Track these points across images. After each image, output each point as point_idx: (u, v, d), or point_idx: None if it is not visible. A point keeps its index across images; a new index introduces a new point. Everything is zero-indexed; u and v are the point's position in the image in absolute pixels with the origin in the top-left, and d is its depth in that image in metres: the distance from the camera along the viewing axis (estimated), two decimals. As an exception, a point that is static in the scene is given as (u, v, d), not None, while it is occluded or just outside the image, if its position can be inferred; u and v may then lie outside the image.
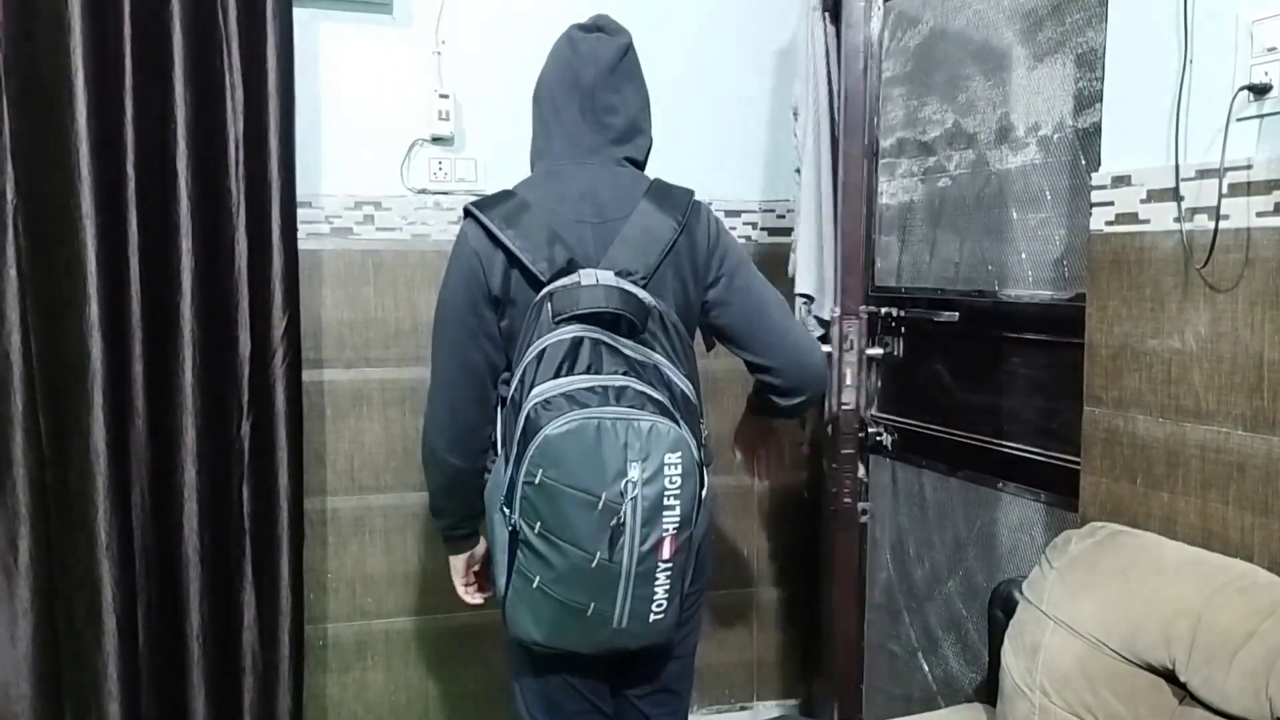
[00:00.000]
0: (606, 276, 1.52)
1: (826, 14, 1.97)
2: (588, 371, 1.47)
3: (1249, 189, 1.47)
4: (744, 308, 1.67)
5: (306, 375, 2.34)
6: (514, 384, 1.52)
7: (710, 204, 1.71)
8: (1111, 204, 1.71)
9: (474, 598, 1.86)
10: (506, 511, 1.48)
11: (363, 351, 2.49)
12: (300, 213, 2.28)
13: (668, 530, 1.46)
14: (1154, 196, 1.62)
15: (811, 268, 1.96)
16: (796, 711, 2.90)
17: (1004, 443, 2.17)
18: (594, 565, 1.44)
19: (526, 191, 1.63)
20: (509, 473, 1.48)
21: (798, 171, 2.01)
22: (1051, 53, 2.05)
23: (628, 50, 1.66)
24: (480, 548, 1.82)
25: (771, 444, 1.96)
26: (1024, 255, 2.14)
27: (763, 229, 2.76)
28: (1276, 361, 1.44)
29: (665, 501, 1.45)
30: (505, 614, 1.55)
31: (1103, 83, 1.76)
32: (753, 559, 2.86)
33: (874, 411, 2.37)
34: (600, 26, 1.67)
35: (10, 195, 2.02)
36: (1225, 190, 1.49)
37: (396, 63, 2.45)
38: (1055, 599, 1.55)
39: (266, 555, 2.27)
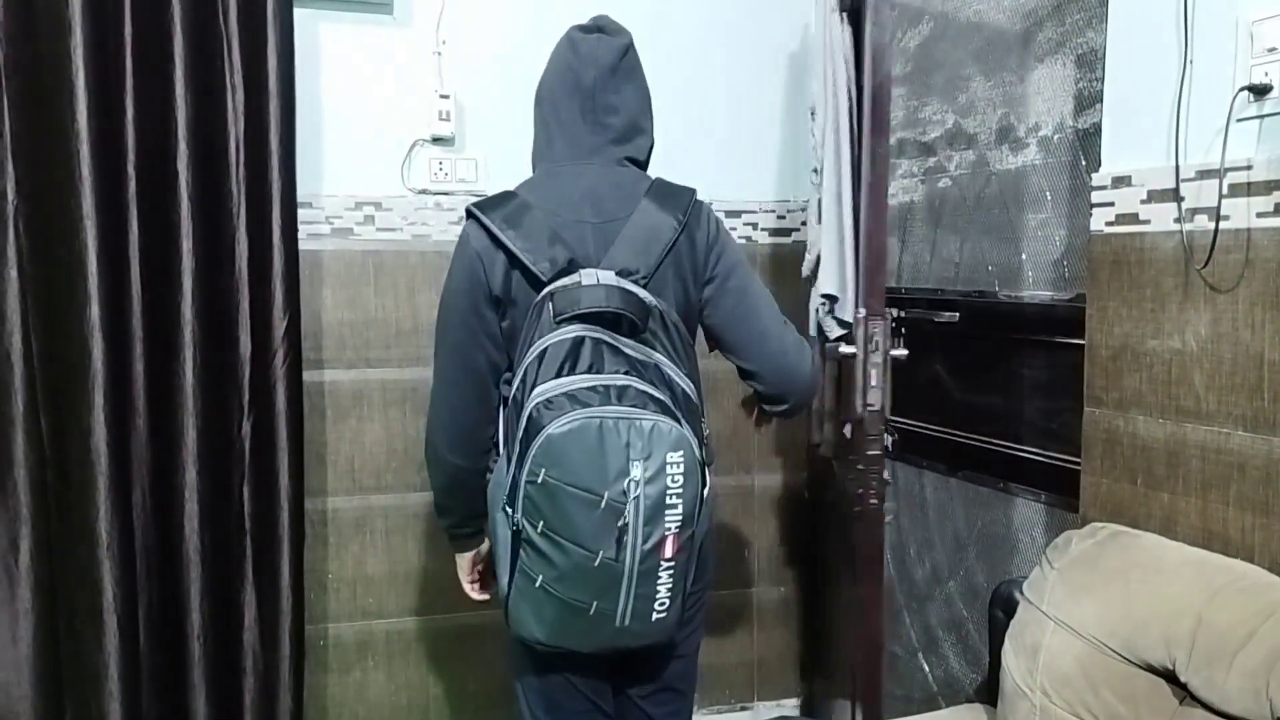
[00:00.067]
0: (607, 276, 1.52)
1: (844, 14, 1.97)
2: (589, 371, 1.47)
3: (1249, 189, 1.47)
4: (733, 310, 1.66)
5: (307, 376, 2.34)
6: (515, 384, 1.52)
7: (710, 204, 1.71)
8: (1112, 204, 1.71)
9: (480, 594, 1.87)
10: (509, 511, 1.48)
11: (363, 352, 2.49)
12: (301, 213, 2.28)
13: (670, 529, 1.46)
14: (1154, 197, 1.63)
15: (834, 268, 1.95)
16: (797, 712, 2.90)
17: (1004, 443, 2.17)
18: (596, 564, 1.44)
19: (528, 192, 1.63)
20: (511, 472, 1.48)
21: (815, 171, 2.00)
22: (1052, 53, 2.05)
23: (628, 50, 1.66)
24: (486, 545, 1.82)
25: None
26: (1024, 256, 2.14)
27: (764, 229, 2.76)
28: (1277, 362, 1.44)
29: (667, 500, 1.45)
30: (508, 613, 1.56)
31: (1103, 83, 1.77)
32: (753, 559, 2.86)
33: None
34: (600, 27, 1.68)
35: (11, 195, 2.03)
36: (1225, 191, 1.49)
37: (397, 63, 2.45)
38: (1056, 599, 1.55)
39: (267, 555, 2.27)
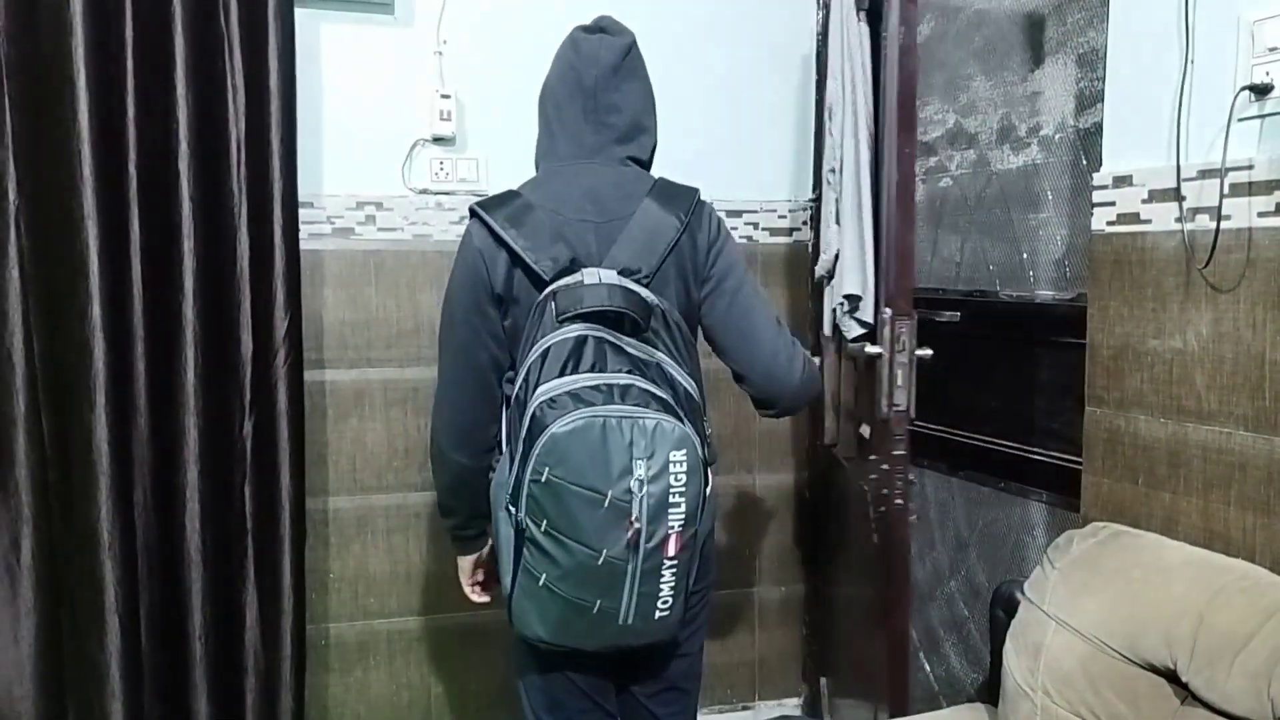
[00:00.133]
0: (609, 275, 1.52)
1: (863, 13, 1.97)
2: (592, 370, 1.47)
3: (1250, 189, 1.47)
4: (727, 311, 1.66)
5: (308, 375, 2.34)
6: (518, 383, 1.53)
7: (711, 203, 1.71)
8: (1113, 204, 1.71)
9: (480, 597, 1.87)
10: (512, 510, 1.49)
11: (364, 352, 2.49)
12: (302, 213, 2.28)
13: (673, 528, 1.47)
14: (1155, 196, 1.63)
15: (856, 268, 1.95)
16: (799, 711, 2.90)
17: (1006, 443, 2.17)
18: (600, 563, 1.45)
19: (530, 192, 1.63)
20: (515, 471, 1.49)
21: (833, 171, 2.00)
22: (1053, 53, 2.06)
23: (630, 50, 1.67)
24: (488, 549, 1.83)
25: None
26: (1025, 255, 2.14)
27: (765, 229, 2.76)
28: (1278, 362, 1.44)
29: (670, 499, 1.46)
30: (511, 612, 1.56)
31: (1104, 83, 1.77)
32: (754, 558, 2.86)
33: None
34: (603, 28, 1.68)
35: (12, 195, 2.03)
36: (1227, 190, 1.49)
37: (398, 63, 2.45)
38: (1057, 599, 1.55)
39: (268, 555, 2.27)
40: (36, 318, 2.06)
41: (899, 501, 1.87)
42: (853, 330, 2.00)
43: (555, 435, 1.42)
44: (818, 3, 2.70)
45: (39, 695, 2.10)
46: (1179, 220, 1.58)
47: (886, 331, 1.85)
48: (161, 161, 2.13)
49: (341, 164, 2.44)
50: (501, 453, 1.63)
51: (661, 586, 1.50)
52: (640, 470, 1.43)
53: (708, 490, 1.55)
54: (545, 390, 1.45)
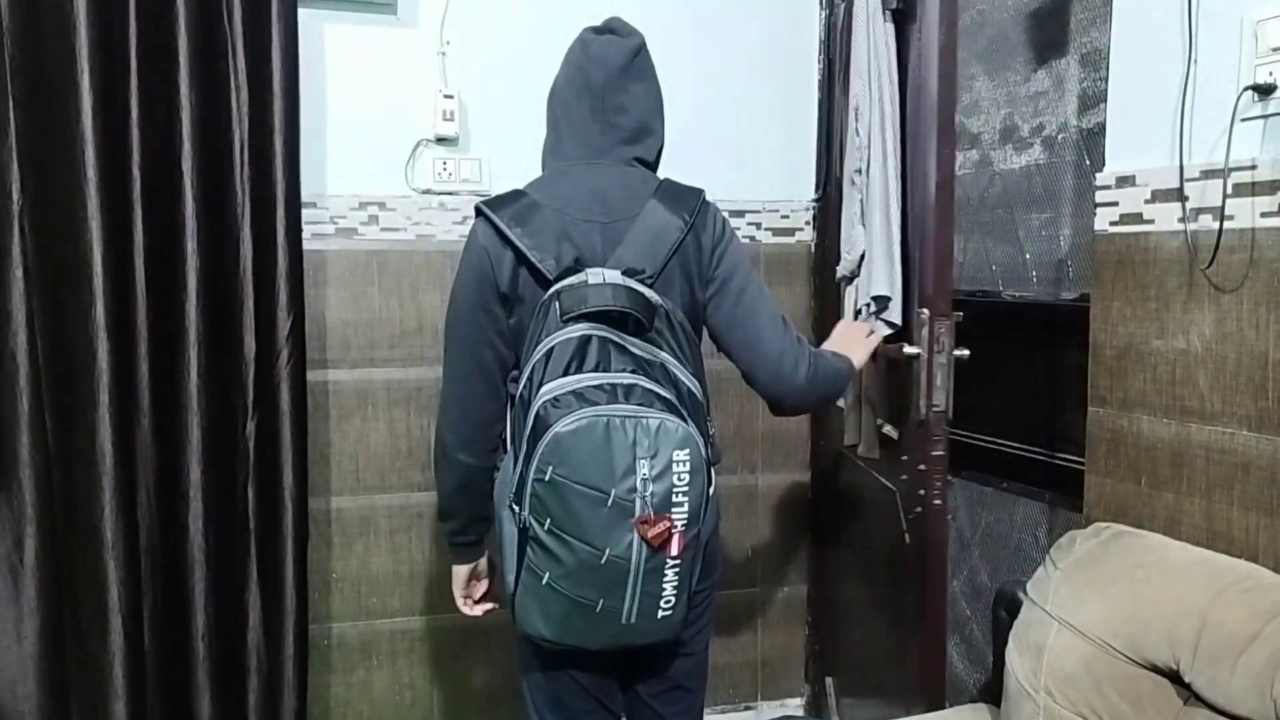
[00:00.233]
0: (613, 275, 1.53)
1: (889, 12, 1.97)
2: (596, 369, 1.48)
3: (1253, 189, 1.47)
4: (732, 311, 1.67)
5: (311, 376, 2.34)
6: (522, 382, 1.53)
7: (716, 204, 1.71)
8: (1116, 204, 1.71)
9: (472, 610, 1.86)
10: (515, 508, 1.49)
11: (367, 352, 2.50)
12: (305, 213, 2.29)
13: (676, 527, 1.47)
14: (1158, 197, 1.62)
15: (884, 269, 1.95)
16: (801, 711, 2.90)
17: (1008, 443, 2.17)
18: (603, 561, 1.45)
19: (536, 191, 1.64)
20: (518, 470, 1.49)
21: (859, 172, 2.00)
22: (1056, 53, 2.06)
23: (639, 51, 1.67)
24: (484, 561, 1.83)
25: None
26: (1028, 255, 2.14)
27: (768, 229, 2.76)
28: (1281, 362, 1.44)
29: (674, 498, 1.46)
30: (514, 611, 1.57)
31: (1107, 83, 1.77)
32: (756, 558, 2.86)
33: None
34: (612, 29, 1.69)
35: (16, 195, 2.03)
36: (1230, 190, 1.49)
37: (401, 63, 2.45)
38: (1060, 599, 1.55)
39: (271, 555, 2.27)
40: (40, 318, 2.06)
41: (938, 502, 1.87)
42: (881, 331, 2.00)
43: (559, 434, 1.42)
44: (820, 2, 2.70)
45: (42, 695, 2.10)
46: (1182, 220, 1.57)
47: (925, 332, 1.84)
48: (165, 162, 2.13)
49: (344, 164, 2.44)
50: (506, 452, 1.63)
51: (664, 586, 1.50)
52: (644, 470, 1.44)
53: (711, 490, 1.55)
54: (549, 389, 1.46)
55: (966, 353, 1.85)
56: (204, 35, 2.14)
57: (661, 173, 1.73)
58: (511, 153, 2.44)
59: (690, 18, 2.63)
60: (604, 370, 1.48)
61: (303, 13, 2.25)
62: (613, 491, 1.43)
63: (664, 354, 1.54)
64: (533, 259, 1.55)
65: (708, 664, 1.87)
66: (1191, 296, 1.57)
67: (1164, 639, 1.39)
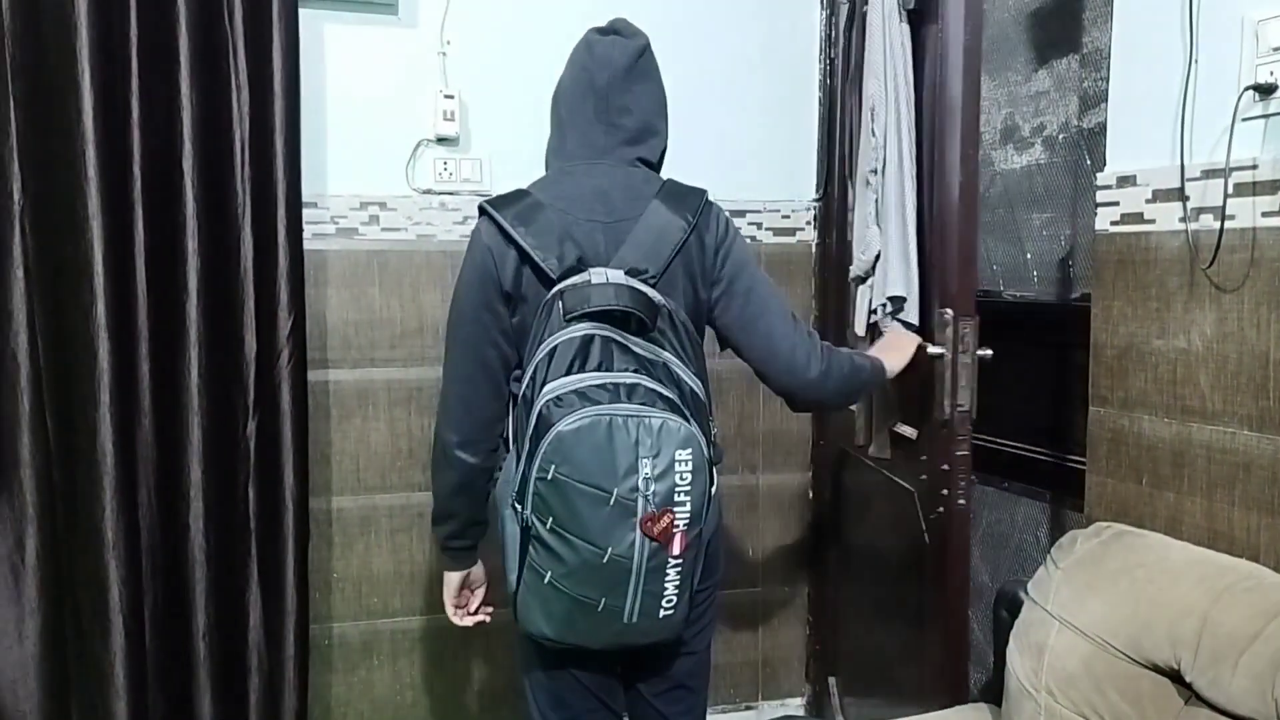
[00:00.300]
0: (616, 275, 1.53)
1: (905, 13, 1.97)
2: (599, 369, 1.48)
3: (1254, 189, 1.46)
4: (742, 310, 1.67)
5: (312, 375, 2.34)
6: (525, 381, 1.53)
7: (719, 204, 1.71)
8: (1117, 204, 1.71)
9: (463, 620, 1.85)
10: (518, 507, 1.49)
11: (368, 352, 2.50)
12: (306, 213, 2.29)
13: (679, 526, 1.47)
14: (1159, 196, 1.62)
15: (900, 269, 1.95)
16: (802, 711, 2.89)
17: (1009, 442, 2.17)
18: (605, 560, 1.45)
19: (540, 191, 1.64)
20: (521, 469, 1.49)
21: (874, 172, 2.00)
22: (1057, 53, 2.05)
23: (643, 52, 1.68)
24: (478, 569, 1.82)
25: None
26: (1029, 255, 2.14)
27: (769, 229, 2.76)
28: (1282, 361, 1.44)
29: (676, 498, 1.46)
30: (516, 610, 1.57)
31: (1108, 83, 1.76)
32: (757, 558, 2.86)
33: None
34: (616, 30, 1.69)
35: (17, 195, 2.03)
36: (1231, 190, 1.49)
37: (402, 63, 2.45)
38: (1061, 599, 1.55)
39: (272, 555, 2.27)
40: (41, 317, 2.06)
41: (962, 502, 1.87)
42: (886, 337, 2.00)
43: (561, 433, 1.43)
44: (821, 2, 2.70)
45: (43, 695, 2.10)
46: (1183, 220, 1.57)
47: (949, 332, 1.85)
48: (166, 162, 2.13)
49: (345, 164, 2.44)
50: (508, 451, 1.63)
51: (666, 585, 1.50)
52: (646, 469, 1.44)
53: (713, 489, 1.56)
54: (552, 389, 1.46)
55: (989, 352, 1.85)
56: (205, 35, 2.14)
57: (662, 173, 1.73)
58: (512, 153, 2.44)
59: (690, 18, 2.63)
60: (607, 370, 1.48)
61: (303, 13, 2.25)
62: (615, 490, 1.43)
63: (666, 354, 1.54)
64: (536, 258, 1.55)
65: (710, 663, 1.87)
66: (1192, 296, 1.57)
67: (1165, 639, 1.39)
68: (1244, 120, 1.47)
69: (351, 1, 2.40)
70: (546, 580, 1.49)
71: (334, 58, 2.41)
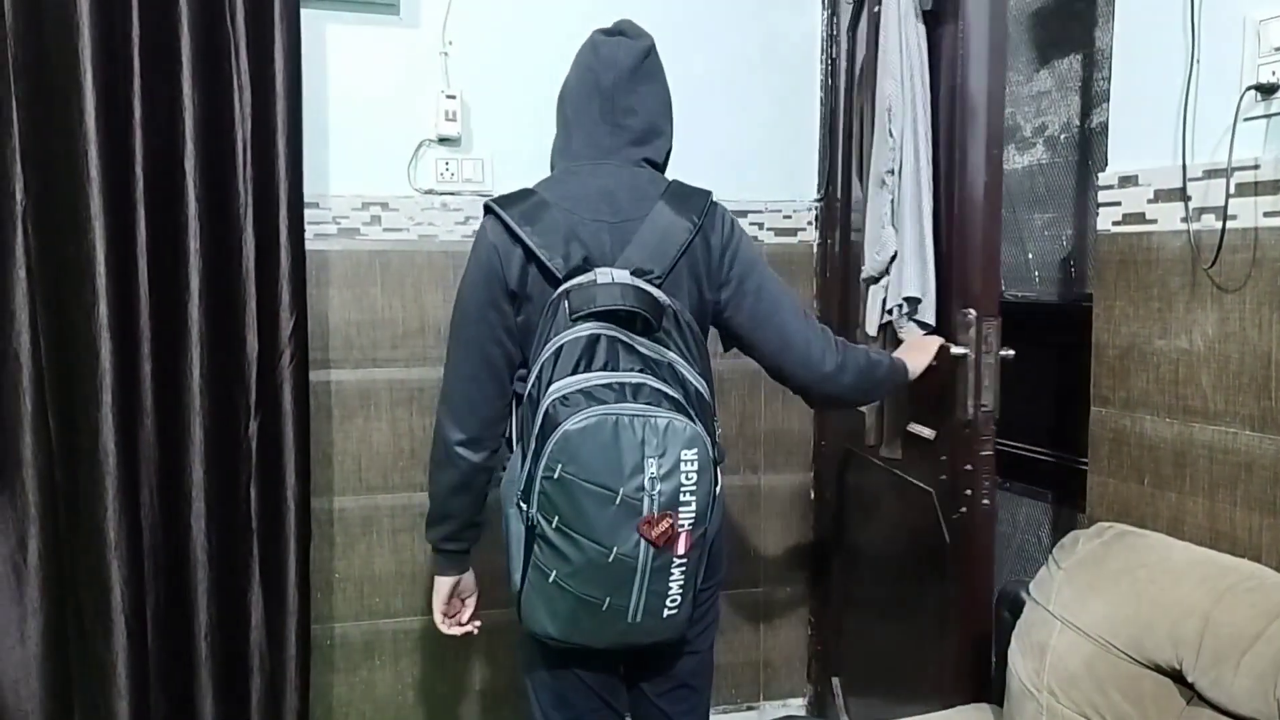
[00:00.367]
0: (622, 275, 1.54)
1: (920, 14, 1.97)
2: (605, 368, 1.48)
3: (1256, 189, 1.47)
4: (754, 309, 1.68)
5: (314, 376, 2.35)
6: (531, 380, 1.53)
7: (724, 205, 1.71)
8: (1119, 204, 1.71)
9: (451, 629, 1.84)
10: (523, 506, 1.49)
11: (370, 352, 2.50)
12: (307, 213, 2.29)
13: (684, 526, 1.48)
14: (1161, 196, 1.62)
15: (916, 270, 1.95)
16: (804, 712, 2.89)
17: (1011, 443, 2.17)
18: (610, 560, 1.45)
19: (546, 190, 1.64)
20: (527, 468, 1.49)
21: (890, 173, 2.00)
22: (1058, 53, 2.05)
23: (649, 54, 1.68)
24: (469, 577, 1.82)
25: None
26: (1031, 255, 2.14)
27: (770, 229, 2.76)
28: (1284, 361, 1.44)
29: (681, 497, 1.47)
30: (520, 609, 1.57)
31: (1110, 83, 1.76)
32: (758, 558, 2.86)
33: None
34: (622, 31, 1.70)
35: (19, 196, 2.03)
36: (1232, 190, 1.49)
37: (403, 63, 2.45)
38: (1063, 599, 1.55)
39: (274, 555, 2.28)
40: (43, 318, 2.06)
41: (986, 502, 1.87)
42: (914, 333, 2.01)
43: (568, 432, 1.43)
44: (823, 3, 2.70)
45: (45, 695, 2.10)
46: (1185, 220, 1.57)
47: (973, 332, 1.85)
48: (168, 162, 2.13)
49: (347, 164, 2.44)
50: (511, 451, 1.63)
51: (670, 585, 1.51)
52: (652, 468, 1.44)
53: (717, 489, 1.56)
54: (558, 388, 1.46)
55: (1011, 352, 1.86)
56: (207, 35, 2.14)
57: (666, 173, 1.74)
58: (514, 153, 2.44)
59: (691, 18, 2.63)
60: (612, 369, 1.48)
61: (305, 13, 2.25)
62: (621, 490, 1.43)
63: (672, 354, 1.54)
64: (542, 257, 1.56)
65: (712, 663, 1.87)
66: (1194, 296, 1.57)
67: (1167, 639, 1.39)
68: (1246, 120, 1.47)
69: (353, 2, 2.40)
70: (551, 579, 1.49)
71: (336, 58, 2.41)
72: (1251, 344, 1.48)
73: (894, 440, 2.18)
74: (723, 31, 2.67)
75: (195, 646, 2.23)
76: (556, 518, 1.46)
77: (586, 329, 1.49)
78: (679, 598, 1.52)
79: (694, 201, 1.65)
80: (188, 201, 2.14)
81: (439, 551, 1.78)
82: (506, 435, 1.66)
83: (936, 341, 1.91)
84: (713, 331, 1.73)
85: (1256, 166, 1.47)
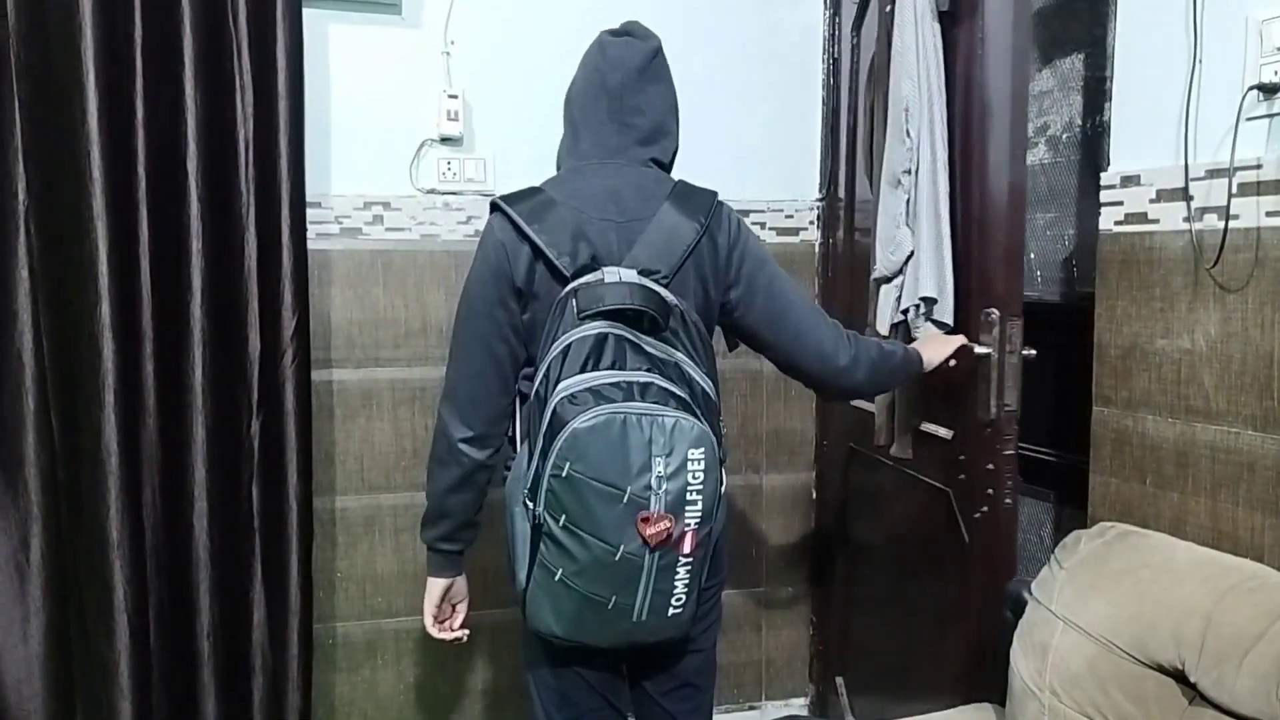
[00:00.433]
0: (630, 274, 1.54)
1: (936, 15, 1.97)
2: (612, 367, 1.49)
3: (1259, 189, 1.46)
4: (766, 308, 1.69)
5: (316, 375, 2.35)
6: (538, 379, 1.54)
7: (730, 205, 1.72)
8: (1121, 204, 1.71)
9: (442, 633, 1.83)
10: (529, 504, 1.50)
11: (372, 352, 2.50)
12: (309, 213, 2.29)
13: (690, 525, 1.48)
14: (1163, 196, 1.62)
15: (932, 270, 1.95)
16: (805, 711, 2.90)
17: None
18: (617, 558, 1.46)
19: (553, 189, 1.65)
20: (534, 466, 1.50)
21: (907, 173, 2.00)
22: (1060, 52, 2.05)
23: (656, 54, 1.69)
24: (461, 581, 1.81)
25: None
26: (1033, 255, 2.14)
27: (772, 229, 2.76)
28: (1287, 361, 1.44)
29: (688, 496, 1.47)
30: (525, 607, 1.57)
31: (1111, 82, 1.76)
32: (760, 558, 2.87)
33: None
34: (629, 31, 1.70)
35: (22, 195, 2.03)
36: (1235, 190, 1.48)
37: (405, 63, 2.45)
38: (1065, 599, 1.55)
39: (276, 554, 2.28)
40: (46, 317, 2.06)
41: (1009, 502, 1.87)
42: (932, 333, 2.01)
43: (576, 431, 1.43)
44: (825, 2, 2.70)
45: (48, 694, 2.10)
46: (1187, 220, 1.57)
47: (996, 332, 1.85)
48: (170, 162, 2.14)
49: (349, 164, 2.44)
50: (516, 451, 1.64)
51: (676, 583, 1.51)
52: (659, 467, 1.45)
53: (723, 488, 1.57)
54: (566, 386, 1.47)
55: (1033, 352, 1.86)
56: (209, 36, 2.14)
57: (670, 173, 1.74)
58: (516, 152, 2.45)
59: (693, 17, 2.62)
60: (620, 368, 1.49)
61: (307, 13, 2.25)
62: (628, 488, 1.44)
63: (679, 353, 1.55)
64: (550, 255, 1.56)
65: (715, 661, 1.87)
66: (1196, 296, 1.57)
67: (1169, 639, 1.39)
68: (1248, 120, 1.47)
69: (355, 1, 2.40)
70: (557, 578, 1.49)
71: (338, 58, 2.42)
72: (1254, 344, 1.48)
73: (905, 439, 2.18)
74: (724, 30, 2.67)
75: (198, 646, 2.24)
76: (564, 516, 1.46)
77: (594, 328, 1.49)
78: (684, 596, 1.53)
79: (700, 202, 1.65)
80: (190, 201, 2.15)
81: (434, 552, 1.78)
82: (510, 434, 1.66)
83: (958, 340, 1.92)
84: (715, 331, 1.73)
85: (1259, 166, 1.46)
